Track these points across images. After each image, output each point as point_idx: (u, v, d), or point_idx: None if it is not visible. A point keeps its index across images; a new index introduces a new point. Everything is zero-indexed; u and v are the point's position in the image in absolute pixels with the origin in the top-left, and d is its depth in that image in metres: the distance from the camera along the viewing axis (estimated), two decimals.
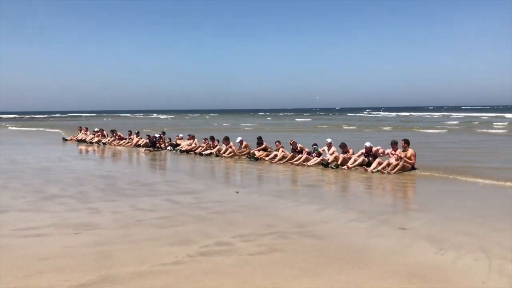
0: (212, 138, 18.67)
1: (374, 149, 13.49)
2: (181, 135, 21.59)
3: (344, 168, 13.30)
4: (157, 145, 20.60)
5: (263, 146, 16.62)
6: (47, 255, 5.36)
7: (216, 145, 18.20)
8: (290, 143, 15.41)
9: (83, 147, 23.08)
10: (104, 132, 25.70)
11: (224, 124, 54.33)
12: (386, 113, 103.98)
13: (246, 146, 17.28)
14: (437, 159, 15.06)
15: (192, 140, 19.60)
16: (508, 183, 10.25)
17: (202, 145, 18.75)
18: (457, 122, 48.67)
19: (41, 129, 44.91)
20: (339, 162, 13.71)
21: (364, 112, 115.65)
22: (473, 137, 26.33)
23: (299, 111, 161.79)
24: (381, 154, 13.33)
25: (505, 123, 42.15)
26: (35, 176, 12.19)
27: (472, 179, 10.94)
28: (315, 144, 15.00)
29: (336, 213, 7.59)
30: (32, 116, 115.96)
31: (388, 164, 12.51)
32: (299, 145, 15.22)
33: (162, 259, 5.16)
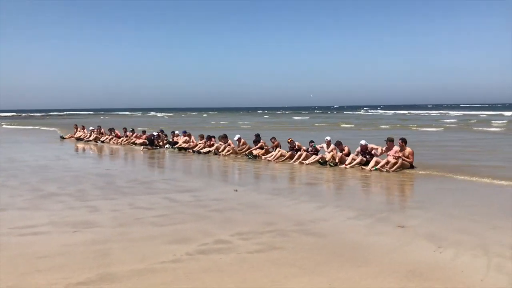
0: (209, 137, 18.67)
1: (369, 146, 13.51)
2: (177, 132, 21.59)
3: (342, 167, 13.31)
4: (155, 143, 20.57)
5: (260, 144, 16.62)
6: (45, 253, 5.35)
7: (213, 143, 18.20)
8: (288, 142, 15.41)
9: (81, 145, 23.03)
10: (102, 130, 25.65)
11: (221, 123, 54.29)
12: (384, 111, 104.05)
13: (244, 144, 17.29)
14: (434, 157, 15.08)
15: (189, 138, 19.61)
16: (506, 182, 10.25)
17: (200, 143, 18.74)
18: (455, 120, 48.76)
19: (36, 127, 44.53)
20: (337, 160, 13.73)
21: (362, 111, 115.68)
22: (470, 136, 26.40)
23: (297, 109, 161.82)
24: (378, 154, 13.33)
25: (504, 122, 42.24)
26: (33, 174, 12.16)
27: (470, 178, 10.95)
28: (312, 141, 15.00)
29: (335, 211, 7.60)
30: (29, 114, 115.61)
31: (387, 163, 12.52)
32: (296, 143, 15.23)
33: (160, 257, 5.15)
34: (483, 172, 11.64)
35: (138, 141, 21.78)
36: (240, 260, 5.08)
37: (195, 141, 19.29)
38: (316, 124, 45.30)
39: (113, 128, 25.01)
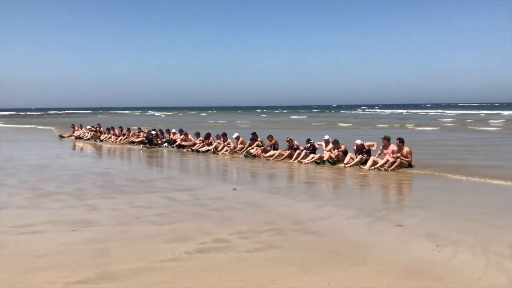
0: (207, 136, 18.67)
1: (366, 144, 13.53)
2: (173, 130, 21.59)
3: (341, 166, 13.33)
4: (154, 141, 20.56)
5: (257, 142, 16.64)
6: (44, 252, 5.35)
7: (212, 142, 18.21)
8: (287, 140, 15.43)
9: (80, 144, 23.01)
10: (101, 129, 25.62)
11: (219, 121, 54.28)
12: (381, 110, 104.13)
13: (242, 142, 17.32)
14: (432, 157, 15.11)
15: (186, 136, 19.63)
16: (504, 182, 10.28)
17: (197, 141, 18.74)
18: (451, 119, 48.84)
19: (33, 126, 44.25)
20: (335, 159, 13.77)
21: (359, 110, 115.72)
22: (467, 135, 26.45)
23: (296, 108, 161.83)
24: (374, 149, 13.36)
25: (501, 121, 42.34)
26: (31, 173, 12.15)
27: (467, 177, 10.97)
28: (309, 140, 14.98)
29: (334, 210, 7.61)
30: (27, 113, 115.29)
31: (386, 162, 12.53)
32: (295, 142, 15.25)
33: (159, 256, 5.16)
34: (481, 171, 11.66)
35: (137, 139, 21.77)
36: (239, 259, 5.08)
37: (192, 140, 19.30)
38: (313, 124, 45.31)
39: (112, 127, 24.99)
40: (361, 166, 12.93)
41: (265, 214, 7.31)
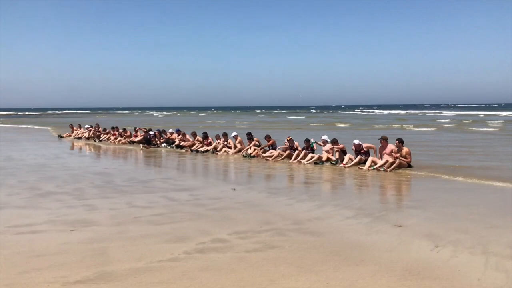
0: (206, 136, 18.67)
1: (365, 145, 13.53)
2: (171, 130, 21.57)
3: (340, 166, 13.34)
4: (153, 141, 20.55)
5: (254, 142, 16.64)
6: (43, 251, 5.34)
7: (211, 142, 18.21)
8: (287, 140, 15.43)
9: (79, 144, 22.97)
10: (100, 129, 25.60)
11: (217, 122, 54.25)
12: (379, 111, 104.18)
13: (240, 142, 17.34)
14: (430, 158, 15.12)
15: (183, 136, 19.62)
16: (503, 183, 10.29)
17: (196, 141, 18.74)
18: (450, 120, 48.89)
19: (30, 126, 44.06)
20: (334, 159, 13.78)
21: (357, 110, 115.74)
22: (465, 136, 26.46)
23: (294, 109, 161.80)
24: (374, 151, 13.38)
25: (499, 122, 42.38)
26: (30, 172, 12.13)
27: (466, 178, 10.97)
28: (308, 140, 14.96)
29: (333, 210, 7.61)
30: (26, 113, 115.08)
31: (385, 162, 12.53)
32: (295, 143, 15.25)
33: (158, 256, 5.16)
34: (479, 172, 11.69)
35: (136, 139, 21.75)
36: (237, 259, 5.08)
37: (190, 139, 19.29)
38: (311, 124, 45.30)
39: (112, 127, 24.97)
40: (360, 167, 12.94)
41: (264, 214, 7.31)
